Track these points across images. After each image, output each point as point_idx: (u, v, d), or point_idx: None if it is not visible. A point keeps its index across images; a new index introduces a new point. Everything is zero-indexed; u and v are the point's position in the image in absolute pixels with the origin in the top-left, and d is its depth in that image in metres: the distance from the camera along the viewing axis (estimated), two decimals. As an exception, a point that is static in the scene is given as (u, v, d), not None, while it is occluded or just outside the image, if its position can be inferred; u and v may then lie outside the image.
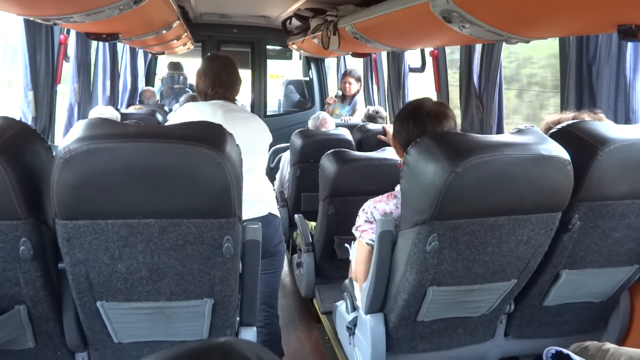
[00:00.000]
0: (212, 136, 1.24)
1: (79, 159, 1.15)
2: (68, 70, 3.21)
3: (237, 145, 1.32)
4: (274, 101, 6.92)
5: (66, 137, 1.21)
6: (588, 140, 1.41)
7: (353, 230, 1.68)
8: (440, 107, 1.56)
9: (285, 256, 3.29)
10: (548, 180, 1.35)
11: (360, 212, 1.65)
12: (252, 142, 2.04)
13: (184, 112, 2.07)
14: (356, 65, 5.11)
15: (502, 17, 1.62)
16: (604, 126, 1.47)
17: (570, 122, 1.50)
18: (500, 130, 2.59)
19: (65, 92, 3.27)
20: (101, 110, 3.33)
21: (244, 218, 1.39)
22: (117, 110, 3.77)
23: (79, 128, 1.21)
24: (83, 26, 2.00)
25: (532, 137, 1.37)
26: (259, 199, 2.06)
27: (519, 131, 1.42)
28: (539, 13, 1.48)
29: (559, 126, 1.50)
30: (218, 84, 2.10)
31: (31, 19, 1.84)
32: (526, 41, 1.83)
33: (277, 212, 2.17)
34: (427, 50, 3.43)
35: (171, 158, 1.20)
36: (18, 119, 2.47)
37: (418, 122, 1.53)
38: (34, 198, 1.23)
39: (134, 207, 1.23)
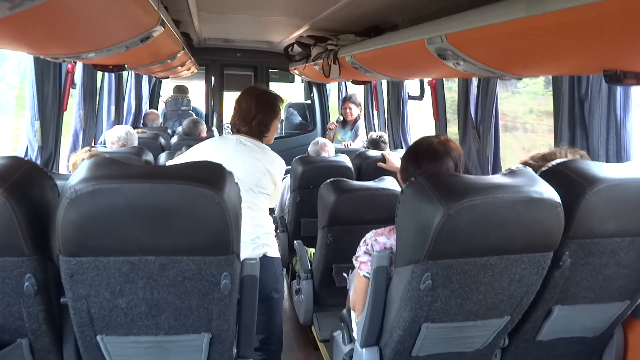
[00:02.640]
0: (212, 177, 1.28)
1: (84, 199, 1.20)
2: (73, 96, 3.28)
3: (237, 184, 1.36)
4: (276, 123, 6.98)
5: (72, 176, 1.25)
6: (577, 180, 1.44)
7: (353, 260, 1.72)
8: (440, 147, 1.60)
9: (285, 281, 3.32)
10: (539, 222, 1.38)
11: (361, 243, 1.68)
12: (248, 179, 2.04)
13: (197, 149, 2.14)
14: (357, 90, 5.19)
15: (494, 56, 1.67)
16: (594, 165, 1.50)
17: (559, 161, 1.54)
18: (496, 161, 2.63)
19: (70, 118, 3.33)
20: (126, 129, 3.42)
21: None
22: None
23: (85, 168, 1.26)
24: (90, 60, 2.07)
25: (523, 178, 1.41)
26: (252, 240, 2.03)
27: (511, 172, 1.45)
28: (529, 55, 1.54)
29: (549, 165, 1.53)
30: (236, 116, 2.14)
31: (41, 57, 1.91)
32: (519, 78, 1.89)
33: (275, 254, 2.12)
34: (426, 79, 3.49)
35: (172, 198, 1.24)
36: (25, 146, 2.56)
37: (415, 160, 1.59)
38: (40, 235, 1.27)
39: (135, 245, 1.27)
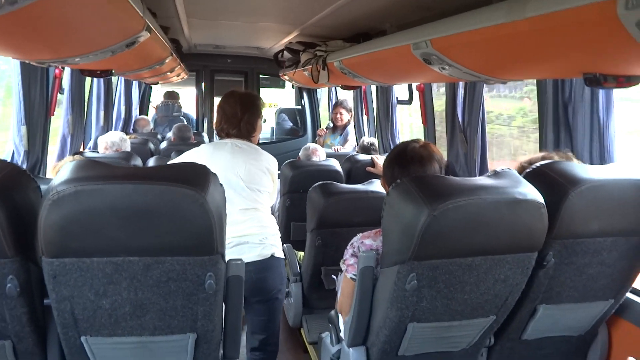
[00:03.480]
0: (195, 177, 1.28)
1: (67, 200, 1.19)
2: (62, 102, 3.27)
3: (221, 184, 1.36)
4: (267, 129, 7.02)
5: (55, 178, 1.25)
6: (560, 181, 1.46)
7: (340, 264, 1.72)
8: (424, 151, 1.62)
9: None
10: (523, 223, 1.39)
11: (348, 246, 1.69)
12: (252, 179, 2.07)
13: (192, 156, 2.12)
14: (347, 95, 5.22)
15: (478, 61, 1.69)
16: (577, 167, 1.52)
17: (543, 162, 1.55)
18: (483, 164, 2.65)
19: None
20: (120, 135, 3.42)
21: (245, 261, 1.45)
22: None
23: (67, 170, 1.26)
24: (77, 65, 2.06)
25: (507, 180, 1.42)
26: (261, 240, 2.05)
27: (496, 174, 1.47)
28: (511, 59, 1.56)
29: (533, 166, 1.55)
30: (222, 121, 2.16)
31: (27, 61, 1.90)
32: (503, 82, 1.91)
33: (281, 254, 2.14)
34: (414, 84, 3.52)
35: (155, 198, 1.24)
36: (11, 151, 2.55)
37: (403, 165, 1.61)
38: (22, 237, 1.27)
39: (119, 246, 1.26)
